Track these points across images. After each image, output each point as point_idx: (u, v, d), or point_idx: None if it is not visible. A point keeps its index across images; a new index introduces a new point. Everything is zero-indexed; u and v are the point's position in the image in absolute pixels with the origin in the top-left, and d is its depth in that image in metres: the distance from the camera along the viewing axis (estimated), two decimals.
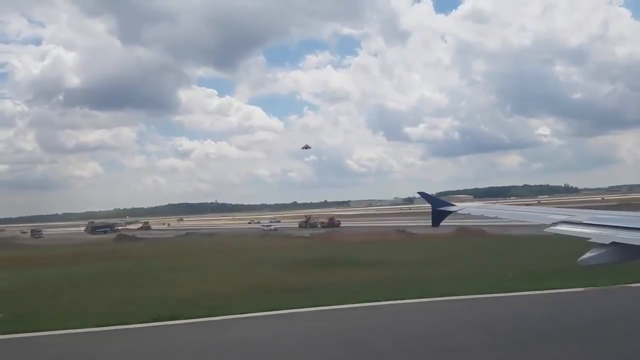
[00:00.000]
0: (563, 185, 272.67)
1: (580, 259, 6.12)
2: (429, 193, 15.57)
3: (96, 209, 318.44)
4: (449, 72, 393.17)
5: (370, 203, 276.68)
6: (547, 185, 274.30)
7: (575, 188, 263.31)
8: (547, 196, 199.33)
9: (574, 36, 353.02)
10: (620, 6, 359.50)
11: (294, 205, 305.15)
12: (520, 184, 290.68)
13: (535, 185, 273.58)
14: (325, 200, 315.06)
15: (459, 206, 12.40)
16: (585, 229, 7.06)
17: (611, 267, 6.41)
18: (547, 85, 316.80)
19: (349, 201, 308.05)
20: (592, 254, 6.10)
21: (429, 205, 12.58)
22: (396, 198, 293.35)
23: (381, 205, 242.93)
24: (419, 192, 14.52)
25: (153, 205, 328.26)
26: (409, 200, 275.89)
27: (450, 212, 12.09)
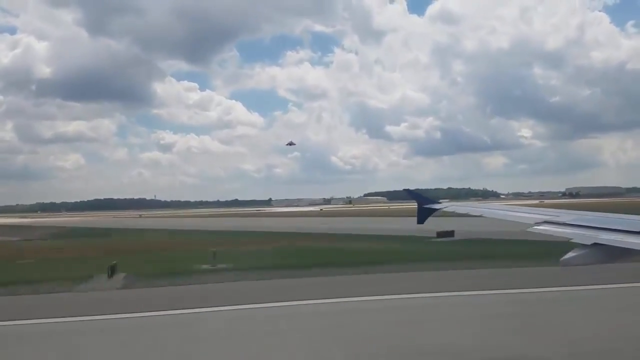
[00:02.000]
0: (481, 189, 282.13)
1: (563, 258, 6.14)
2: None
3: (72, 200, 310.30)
4: (429, 72, 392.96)
5: (289, 202, 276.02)
6: (469, 188, 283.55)
7: (494, 192, 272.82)
8: (448, 200, 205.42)
9: (552, 40, 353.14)
10: (600, 11, 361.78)
11: (235, 203, 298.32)
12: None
13: (455, 188, 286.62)
14: (270, 198, 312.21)
15: (444, 204, 12.45)
16: (567, 229, 7.10)
17: (593, 267, 6.44)
18: (525, 88, 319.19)
19: (270, 199, 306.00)
20: (574, 254, 6.13)
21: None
22: (332, 198, 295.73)
23: (297, 205, 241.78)
24: (405, 189, 14.58)
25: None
26: (327, 201, 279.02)
27: (435, 210, 12.12)
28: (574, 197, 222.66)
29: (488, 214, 10.27)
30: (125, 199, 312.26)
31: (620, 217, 7.34)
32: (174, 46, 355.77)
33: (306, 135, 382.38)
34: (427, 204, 12.18)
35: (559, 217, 7.86)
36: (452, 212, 11.98)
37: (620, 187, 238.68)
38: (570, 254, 6.19)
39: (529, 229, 8.04)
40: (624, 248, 5.73)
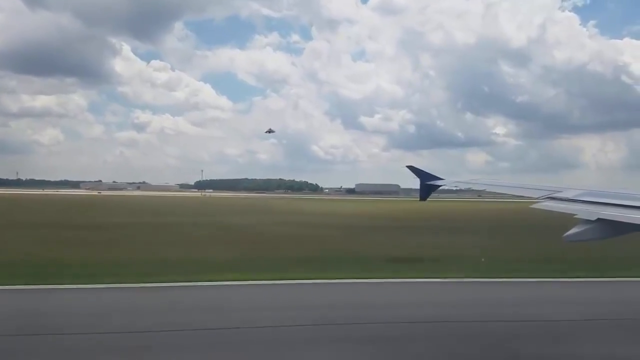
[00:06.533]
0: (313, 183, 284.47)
1: (566, 234, 6.10)
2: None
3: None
4: (396, 62, 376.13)
5: (94, 185, 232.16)
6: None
7: (317, 185, 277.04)
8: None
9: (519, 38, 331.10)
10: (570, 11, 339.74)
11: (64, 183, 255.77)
12: None
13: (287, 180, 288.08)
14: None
15: (446, 180, 12.36)
16: (571, 205, 7.04)
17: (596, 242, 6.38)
18: (493, 86, 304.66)
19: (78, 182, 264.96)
20: (578, 229, 6.08)
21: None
22: (126, 184, 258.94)
23: (99, 191, 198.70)
24: (407, 166, 14.30)
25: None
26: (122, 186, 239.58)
27: (438, 186, 12.05)
28: (350, 193, 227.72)
29: (491, 189, 10.20)
30: None
31: (624, 192, 7.25)
32: (117, 22, 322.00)
33: (283, 121, 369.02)
34: (429, 181, 12.10)
35: (563, 192, 7.79)
36: (456, 189, 11.90)
37: (398, 186, 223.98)
38: (573, 230, 6.14)
39: (532, 206, 7.97)
40: (628, 223, 5.67)
